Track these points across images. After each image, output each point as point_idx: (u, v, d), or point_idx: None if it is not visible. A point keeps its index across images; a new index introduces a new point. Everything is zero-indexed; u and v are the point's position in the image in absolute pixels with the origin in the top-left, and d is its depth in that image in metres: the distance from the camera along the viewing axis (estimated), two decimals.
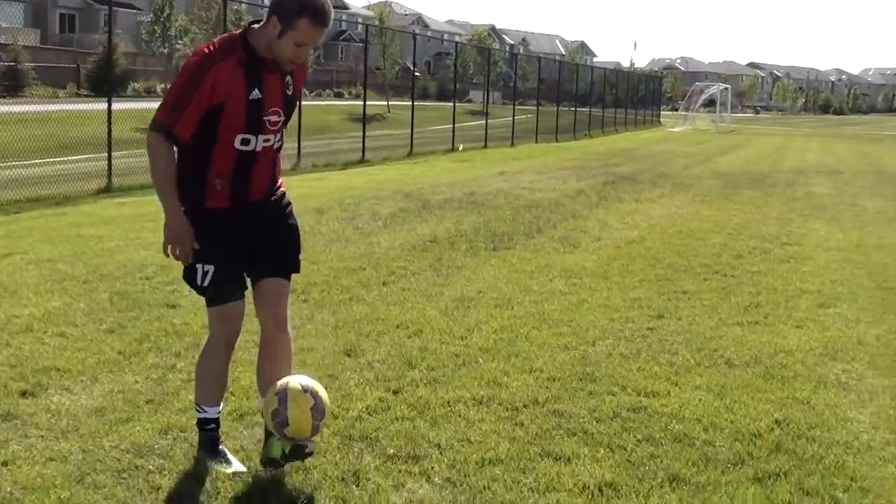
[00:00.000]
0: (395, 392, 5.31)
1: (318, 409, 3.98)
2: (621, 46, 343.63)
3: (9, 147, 15.95)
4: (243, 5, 32.58)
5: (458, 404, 5.13)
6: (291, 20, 3.83)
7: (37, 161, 16.83)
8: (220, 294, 4.13)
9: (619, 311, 7.58)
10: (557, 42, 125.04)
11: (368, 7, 74.53)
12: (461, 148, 29.27)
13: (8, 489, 3.94)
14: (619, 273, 9.19)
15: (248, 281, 4.30)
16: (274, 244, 4.26)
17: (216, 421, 4.29)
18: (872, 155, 35.84)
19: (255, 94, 3.94)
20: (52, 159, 17.47)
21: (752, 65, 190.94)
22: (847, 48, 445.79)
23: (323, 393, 4.07)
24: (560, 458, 4.43)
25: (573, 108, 45.88)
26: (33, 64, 40.39)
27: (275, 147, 4.13)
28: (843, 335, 7.00)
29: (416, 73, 36.41)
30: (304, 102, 46.85)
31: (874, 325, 7.35)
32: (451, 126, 29.91)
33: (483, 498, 3.98)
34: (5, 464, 4.21)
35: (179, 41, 44.66)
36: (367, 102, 25.77)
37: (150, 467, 4.20)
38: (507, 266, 9.34)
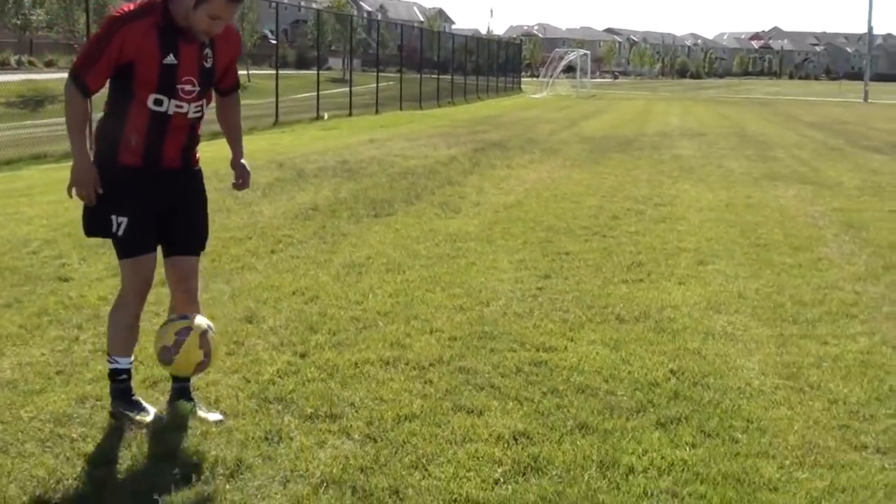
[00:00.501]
0: (303, 356, 5.44)
1: (203, 365, 4.25)
2: (479, 13, 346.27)
3: None
4: None
5: (366, 365, 5.29)
6: None
7: None
8: (133, 246, 4.25)
9: (507, 272, 7.83)
10: (415, 9, 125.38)
11: None
12: (326, 117, 29.24)
13: None
14: (502, 236, 9.45)
15: (159, 249, 4.40)
16: (186, 220, 4.43)
17: (128, 371, 4.43)
18: (732, 117, 37.24)
19: (170, 59, 4.08)
20: None
21: (609, 30, 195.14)
22: (702, 13, 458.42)
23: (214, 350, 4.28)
24: (472, 412, 4.64)
25: (435, 76, 46.18)
26: None
27: (190, 116, 4.23)
28: (724, 290, 7.40)
29: (273, 41, 36.07)
30: None
31: (752, 280, 7.78)
32: (316, 94, 29.85)
33: (404, 451, 4.15)
34: None
35: (33, 12, 43.27)
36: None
37: (74, 435, 4.24)
38: (391, 232, 9.51)
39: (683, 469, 4.04)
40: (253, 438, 4.24)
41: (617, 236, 9.67)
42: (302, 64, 59.59)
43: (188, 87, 4.16)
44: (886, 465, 4.17)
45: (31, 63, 49.69)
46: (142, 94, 4.12)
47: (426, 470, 3.96)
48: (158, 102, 4.14)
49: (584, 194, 12.86)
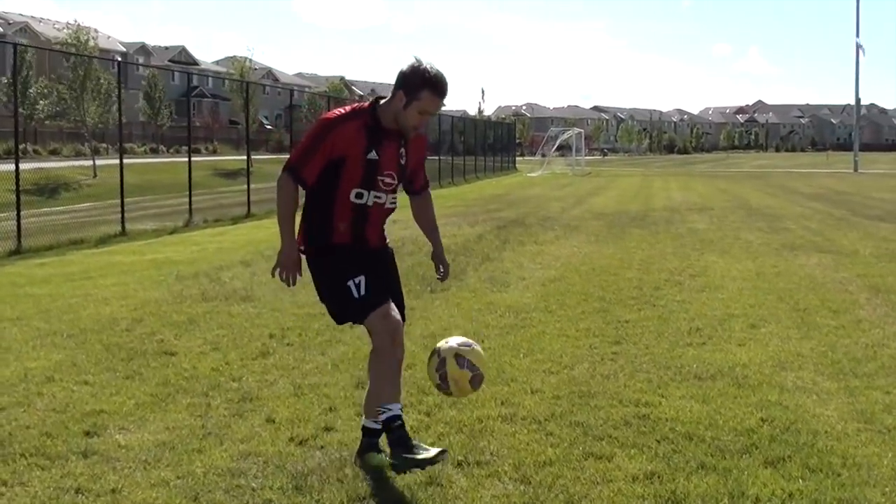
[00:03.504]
0: (427, 414, 6.08)
1: (477, 378, 5.07)
2: (467, 94, 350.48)
3: None
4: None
5: (488, 421, 5.92)
6: (415, 92, 4.75)
7: None
8: (376, 296, 4.85)
9: (578, 339, 8.48)
10: None
11: (230, 62, 74.53)
12: None
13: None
14: (560, 307, 10.12)
15: None
16: (392, 284, 5.02)
17: (401, 417, 4.95)
18: (731, 191, 38.18)
19: (373, 154, 4.78)
20: None
21: (595, 108, 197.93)
22: (687, 89, 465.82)
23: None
24: (601, 458, 5.26)
25: (433, 158, 47.07)
26: None
27: (386, 206, 4.91)
28: (782, 350, 8.06)
29: (269, 127, 36.98)
30: (164, 160, 46.84)
31: (805, 341, 8.45)
32: None
33: (555, 490, 4.77)
34: (114, 491, 4.77)
35: (38, 104, 44.51)
36: (228, 157, 26.45)
37: (253, 485, 4.83)
38: (453, 306, 10.16)
39: (802, 497, 4.67)
40: (417, 484, 4.84)
41: (665, 305, 10.34)
42: (292, 148, 60.74)
43: (388, 180, 4.87)
44: None
45: (36, 152, 50.73)
46: (346, 187, 4.81)
47: None
48: (359, 196, 4.84)
49: (619, 267, 13.55)
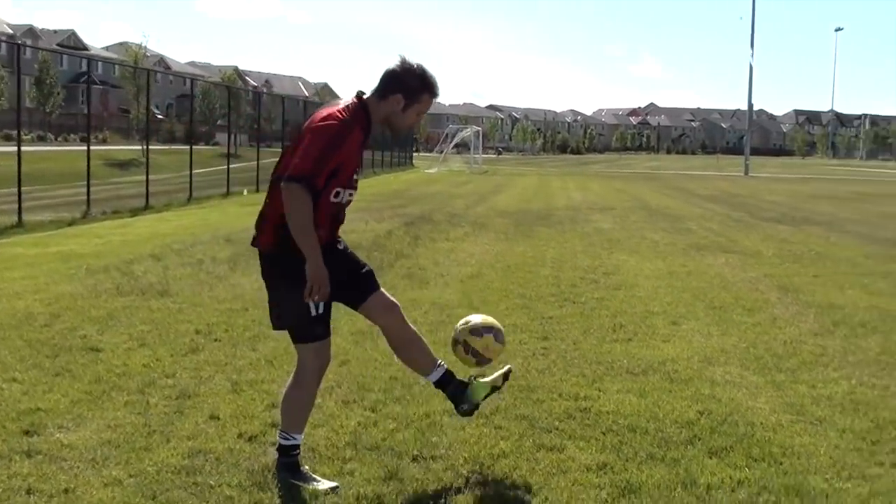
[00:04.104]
0: (372, 410, 6.19)
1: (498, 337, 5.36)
2: (364, 87, 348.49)
3: None
4: None
5: (435, 416, 6.04)
6: (416, 95, 4.78)
7: None
8: (322, 329, 4.85)
9: (508, 335, 8.55)
10: (300, 83, 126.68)
11: (123, 48, 73.01)
12: (245, 192, 29.80)
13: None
14: (483, 304, 10.28)
15: (352, 308, 5.16)
16: (354, 271, 5.04)
17: (299, 447, 4.95)
18: (629, 192, 38.97)
19: (360, 156, 4.80)
20: None
21: (491, 107, 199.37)
22: (581, 90, 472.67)
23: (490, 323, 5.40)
24: (552, 449, 5.44)
25: None
26: None
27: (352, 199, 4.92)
28: (706, 346, 8.37)
29: (161, 116, 36.50)
30: (53, 148, 45.60)
31: (726, 337, 8.78)
32: (226, 169, 30.38)
33: (514, 482, 4.93)
34: (66, 491, 4.74)
35: None
36: (120, 147, 26.06)
37: (211, 482, 4.86)
38: None
39: (750, 485, 4.92)
40: (377, 479, 4.94)
41: (585, 302, 10.60)
42: (189, 139, 59.85)
43: (355, 177, 4.89)
44: None
45: None
46: (331, 188, 4.69)
47: (545, 495, 4.74)
48: (337, 195, 4.75)
49: (534, 265, 13.80)
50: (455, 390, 5.27)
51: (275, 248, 4.76)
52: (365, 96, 4.85)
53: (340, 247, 5.05)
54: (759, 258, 15.36)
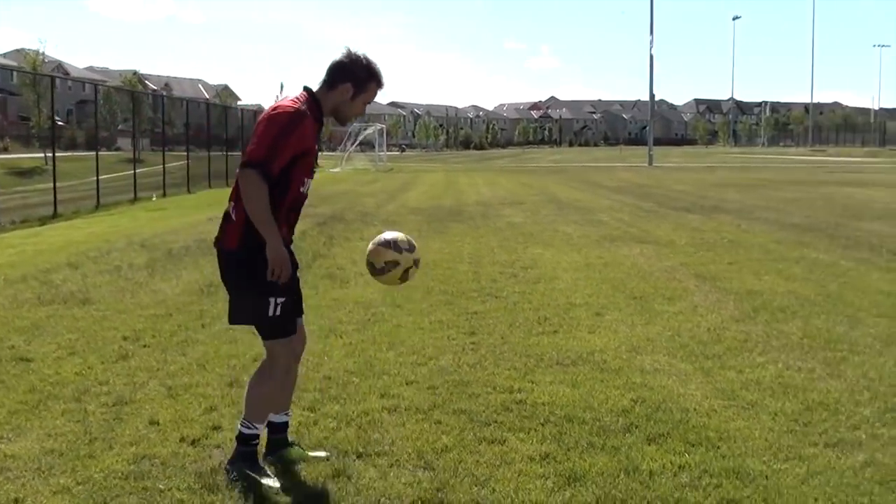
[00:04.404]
0: (311, 410, 6.19)
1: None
2: (264, 89, 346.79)
3: None
4: None
5: (374, 413, 6.09)
6: (364, 84, 4.87)
7: None
8: (288, 326, 4.91)
9: (435, 331, 8.73)
10: (200, 86, 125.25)
11: (21, 55, 70.94)
12: (154, 198, 29.42)
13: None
14: (406, 301, 10.33)
15: None
16: (297, 285, 5.06)
17: (259, 437, 5.01)
18: (536, 186, 39.34)
19: (317, 146, 4.82)
20: None
21: (393, 104, 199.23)
22: (481, 86, 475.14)
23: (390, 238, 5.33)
24: (493, 442, 5.52)
25: (224, 153, 46.07)
26: None
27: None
28: (631, 335, 8.53)
29: (62, 123, 35.76)
30: None
31: (650, 326, 8.96)
32: (132, 174, 29.97)
33: (461, 475, 5.00)
34: (17, 501, 4.67)
35: None
36: (21, 155, 25.54)
37: (160, 487, 4.83)
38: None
39: (692, 469, 5.05)
40: (325, 477, 4.96)
41: (507, 296, 10.72)
42: (91, 145, 58.75)
43: (314, 168, 4.93)
44: (839, 456, 5.31)
45: None
46: (298, 180, 4.78)
47: (493, 486, 4.81)
48: (305, 185, 4.87)
49: (451, 261, 13.89)
50: (277, 442, 5.26)
51: (239, 248, 4.79)
52: (313, 90, 4.92)
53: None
54: (673, 247, 15.67)
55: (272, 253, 4.61)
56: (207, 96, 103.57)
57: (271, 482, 4.83)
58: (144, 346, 8.06)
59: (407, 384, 6.84)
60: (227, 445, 5.44)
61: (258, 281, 4.71)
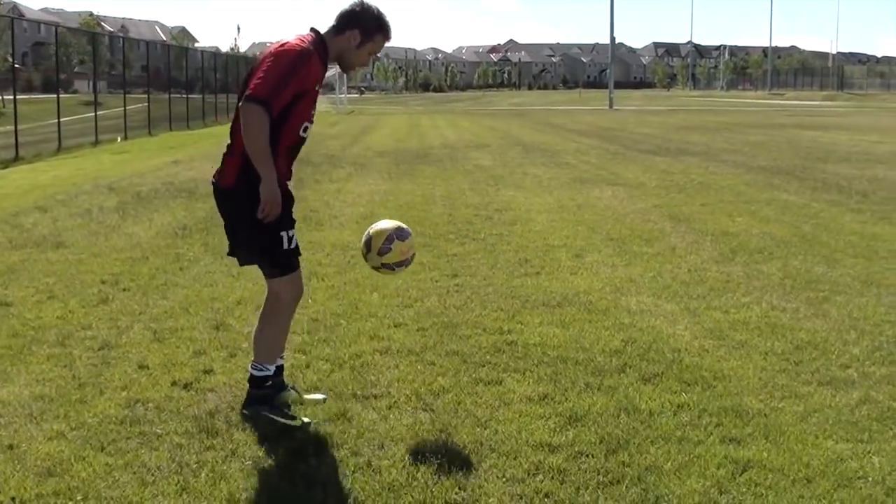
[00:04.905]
0: (302, 352, 6.17)
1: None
2: (222, 31, 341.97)
3: None
4: None
5: (366, 356, 6.07)
6: (371, 34, 4.80)
7: None
8: (295, 259, 4.89)
9: (417, 273, 8.67)
10: (157, 28, 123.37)
11: None
12: (119, 140, 29.05)
13: (36, 462, 4.44)
14: None
15: None
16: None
17: (271, 378, 4.96)
18: (500, 129, 39.22)
19: (318, 87, 4.73)
20: None
21: None
22: (440, 28, 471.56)
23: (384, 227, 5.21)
24: (490, 383, 5.51)
25: (184, 96, 45.47)
26: None
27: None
28: (614, 276, 8.55)
29: (18, 66, 35.01)
30: None
31: (631, 268, 8.99)
32: (93, 116, 29.57)
33: (461, 415, 5.00)
34: (11, 447, 4.61)
35: None
36: None
37: (158, 431, 4.79)
38: None
39: (691, 408, 5.08)
40: (324, 419, 4.94)
41: (485, 238, 10.70)
42: (48, 87, 57.71)
43: (313, 111, 4.85)
44: (833, 394, 5.36)
45: None
46: (296, 122, 4.69)
47: (495, 427, 4.81)
48: (305, 129, 4.79)
49: (424, 204, 13.84)
50: (274, 385, 5.13)
51: (238, 184, 4.71)
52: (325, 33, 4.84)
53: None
54: (644, 189, 15.70)
55: (265, 190, 4.55)
56: (164, 38, 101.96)
57: (290, 421, 4.82)
58: (124, 289, 7.96)
59: (395, 326, 6.81)
60: (220, 389, 5.43)
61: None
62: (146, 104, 36.11)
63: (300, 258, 5.07)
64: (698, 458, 4.42)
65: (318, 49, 4.73)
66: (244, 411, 4.94)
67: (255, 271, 8.50)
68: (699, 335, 6.59)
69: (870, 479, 4.22)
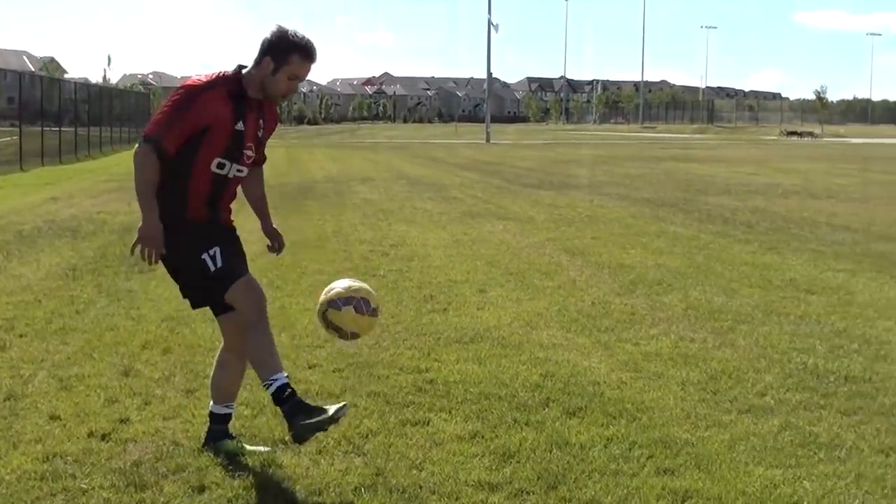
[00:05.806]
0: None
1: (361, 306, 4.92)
2: (91, 62, 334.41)
3: None
4: None
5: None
6: (285, 56, 4.70)
7: None
8: (234, 268, 4.74)
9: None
10: (25, 58, 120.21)
11: None
12: None
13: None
14: (284, 282, 10.16)
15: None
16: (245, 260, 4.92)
17: (289, 384, 4.66)
18: (382, 162, 39.28)
19: (240, 125, 4.71)
20: None
21: None
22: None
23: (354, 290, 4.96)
24: (417, 423, 5.50)
25: (56, 129, 44.23)
26: None
27: (241, 178, 4.81)
28: (520, 311, 8.63)
29: None
30: None
31: (535, 301, 9.09)
32: None
33: (393, 458, 4.97)
34: (15, 446, 4.61)
35: None
36: None
37: (82, 486, 4.64)
38: (173, 286, 9.92)
39: (620, 440, 5.17)
40: (257, 466, 4.86)
41: (385, 275, 10.68)
42: None
43: (249, 153, 4.78)
44: (755, 421, 5.53)
45: None
46: (206, 158, 4.67)
47: (430, 469, 4.79)
48: (221, 166, 4.71)
49: (318, 240, 13.76)
50: (216, 433, 5.09)
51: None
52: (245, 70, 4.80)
53: (235, 235, 4.99)
54: (535, 223, 15.91)
55: (143, 228, 4.63)
56: (33, 69, 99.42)
57: (334, 409, 4.55)
58: (20, 335, 7.69)
59: (310, 368, 6.75)
60: (140, 438, 5.28)
61: (183, 248, 4.71)
62: (17, 137, 35.04)
63: (245, 264, 4.95)
64: (637, 491, 4.49)
65: (226, 84, 4.74)
66: (292, 434, 4.64)
67: (154, 314, 8.40)
68: (615, 368, 6.69)
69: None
